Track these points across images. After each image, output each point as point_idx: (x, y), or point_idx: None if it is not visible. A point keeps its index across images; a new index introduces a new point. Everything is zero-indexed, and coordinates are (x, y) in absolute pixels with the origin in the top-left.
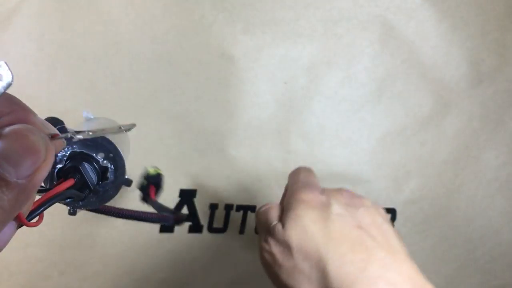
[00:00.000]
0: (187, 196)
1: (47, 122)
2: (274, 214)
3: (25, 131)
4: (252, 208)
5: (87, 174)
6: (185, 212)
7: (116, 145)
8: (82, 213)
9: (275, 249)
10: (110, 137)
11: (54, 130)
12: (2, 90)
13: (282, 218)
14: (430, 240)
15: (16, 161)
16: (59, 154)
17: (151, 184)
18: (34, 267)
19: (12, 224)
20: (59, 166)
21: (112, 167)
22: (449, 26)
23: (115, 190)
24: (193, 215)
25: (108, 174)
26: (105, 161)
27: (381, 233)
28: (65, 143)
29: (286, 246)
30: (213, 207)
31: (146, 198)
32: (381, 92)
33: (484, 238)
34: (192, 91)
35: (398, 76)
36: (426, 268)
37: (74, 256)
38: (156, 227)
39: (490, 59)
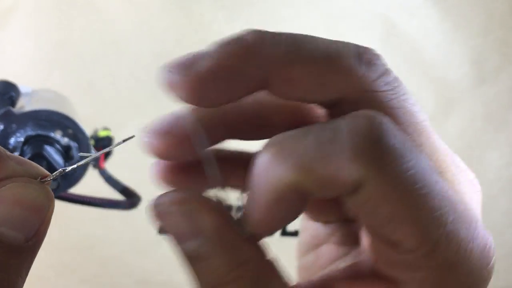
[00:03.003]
0: None
1: (26, 161)
2: None
3: (22, 189)
4: None
5: (52, 158)
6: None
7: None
8: (80, 215)
9: None
10: (54, 106)
11: (39, 168)
12: None
13: None
14: None
15: (22, 225)
16: (11, 141)
17: (100, 147)
18: (31, 269)
19: None
20: (16, 154)
21: (76, 144)
22: (452, 24)
23: (83, 169)
24: None
25: (73, 153)
26: (65, 139)
27: None
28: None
29: None
30: None
31: (97, 166)
32: None
33: None
34: None
35: (400, 75)
36: None
37: (72, 258)
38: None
39: (493, 58)
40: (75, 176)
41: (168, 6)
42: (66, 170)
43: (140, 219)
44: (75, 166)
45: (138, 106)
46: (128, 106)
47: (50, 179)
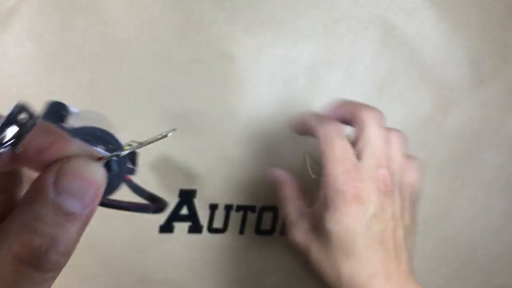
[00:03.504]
0: (187, 196)
1: (85, 144)
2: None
3: (84, 165)
4: (252, 208)
5: None
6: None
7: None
8: None
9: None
10: (97, 124)
11: (95, 151)
12: (31, 127)
13: (320, 210)
14: (430, 240)
15: (81, 194)
16: None
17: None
18: None
19: None
20: None
21: (116, 158)
22: (450, 25)
23: (120, 181)
24: (193, 216)
25: (113, 166)
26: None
27: (395, 245)
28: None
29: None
30: (213, 207)
31: (130, 184)
32: (381, 92)
33: (485, 238)
34: (192, 91)
35: (398, 76)
36: (427, 268)
37: (73, 256)
38: (155, 227)
39: (491, 59)
40: (114, 186)
41: (168, 7)
42: (120, 155)
43: (141, 218)
44: (127, 151)
45: (139, 107)
46: (129, 107)
47: (106, 160)
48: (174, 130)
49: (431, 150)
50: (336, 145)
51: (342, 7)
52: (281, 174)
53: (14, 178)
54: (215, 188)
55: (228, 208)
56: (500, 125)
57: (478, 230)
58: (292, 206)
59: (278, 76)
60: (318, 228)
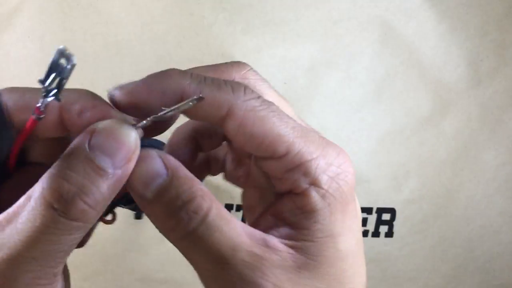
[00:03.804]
0: None
1: (125, 114)
2: None
3: (117, 126)
4: None
5: None
6: None
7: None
8: None
9: None
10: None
11: (131, 118)
12: (70, 70)
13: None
14: (429, 239)
15: (112, 153)
16: None
17: None
18: None
19: None
20: None
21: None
22: (448, 26)
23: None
24: None
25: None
26: None
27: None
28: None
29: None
30: None
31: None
32: (381, 92)
33: (483, 237)
34: None
35: (397, 76)
36: (425, 267)
37: (74, 255)
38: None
39: (489, 60)
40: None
41: (169, 8)
42: (158, 115)
43: (142, 218)
44: (163, 112)
45: None
46: None
47: (140, 125)
48: (200, 98)
49: (430, 150)
50: None
51: (341, 8)
52: None
53: (62, 146)
54: (215, 188)
55: (228, 208)
56: (498, 125)
57: (476, 230)
58: None
59: (278, 76)
60: None
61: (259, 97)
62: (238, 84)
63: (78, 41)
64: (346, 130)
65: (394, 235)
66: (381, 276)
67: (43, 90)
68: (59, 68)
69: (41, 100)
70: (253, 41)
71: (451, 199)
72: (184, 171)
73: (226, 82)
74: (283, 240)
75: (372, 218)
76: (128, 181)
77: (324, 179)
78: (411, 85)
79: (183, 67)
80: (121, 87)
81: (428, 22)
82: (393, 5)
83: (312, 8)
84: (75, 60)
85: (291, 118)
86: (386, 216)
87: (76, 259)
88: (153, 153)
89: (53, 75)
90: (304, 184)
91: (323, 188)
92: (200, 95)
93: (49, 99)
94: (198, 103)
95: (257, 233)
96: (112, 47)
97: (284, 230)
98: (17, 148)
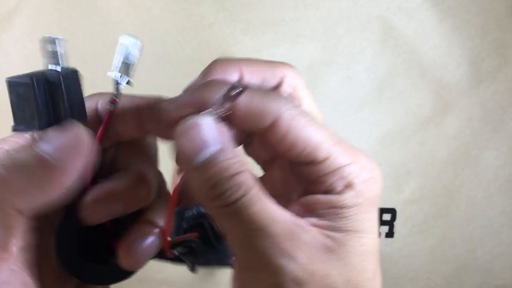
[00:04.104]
0: None
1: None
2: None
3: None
4: None
5: (208, 230)
6: None
7: None
8: None
9: None
10: None
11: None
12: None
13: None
14: (430, 240)
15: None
16: (188, 213)
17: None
18: None
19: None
20: (185, 223)
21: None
22: (449, 26)
23: None
24: None
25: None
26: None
27: None
28: None
29: None
30: None
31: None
32: (381, 92)
33: (484, 238)
34: None
35: (398, 76)
36: (426, 268)
37: None
38: None
39: (490, 59)
40: (227, 255)
41: (169, 8)
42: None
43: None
44: (217, 112)
45: None
46: None
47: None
48: (244, 87)
49: (431, 150)
50: None
51: (341, 8)
52: None
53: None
54: None
55: None
56: (500, 125)
57: (477, 230)
58: None
59: None
60: None
61: (299, 105)
62: (283, 93)
63: (78, 41)
64: (346, 130)
65: (395, 235)
66: (382, 276)
67: (115, 79)
68: (127, 55)
69: (115, 88)
70: (253, 41)
71: (452, 199)
72: (233, 145)
73: (272, 92)
74: (313, 226)
75: None
76: (180, 145)
77: (357, 182)
78: (412, 85)
79: (183, 67)
80: (169, 102)
81: (429, 22)
82: (394, 5)
83: (312, 8)
84: (140, 42)
85: (325, 126)
86: (386, 216)
87: None
88: (210, 121)
89: (121, 63)
90: (340, 186)
91: (356, 190)
92: (244, 86)
93: (122, 86)
94: (243, 110)
95: (291, 214)
96: (111, 47)
97: (313, 220)
98: (101, 136)
